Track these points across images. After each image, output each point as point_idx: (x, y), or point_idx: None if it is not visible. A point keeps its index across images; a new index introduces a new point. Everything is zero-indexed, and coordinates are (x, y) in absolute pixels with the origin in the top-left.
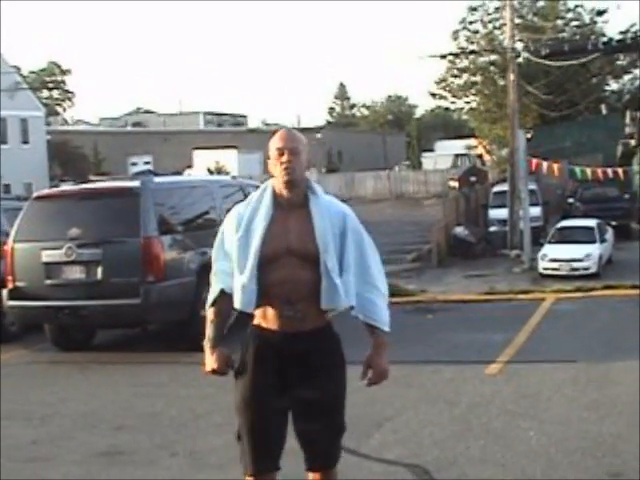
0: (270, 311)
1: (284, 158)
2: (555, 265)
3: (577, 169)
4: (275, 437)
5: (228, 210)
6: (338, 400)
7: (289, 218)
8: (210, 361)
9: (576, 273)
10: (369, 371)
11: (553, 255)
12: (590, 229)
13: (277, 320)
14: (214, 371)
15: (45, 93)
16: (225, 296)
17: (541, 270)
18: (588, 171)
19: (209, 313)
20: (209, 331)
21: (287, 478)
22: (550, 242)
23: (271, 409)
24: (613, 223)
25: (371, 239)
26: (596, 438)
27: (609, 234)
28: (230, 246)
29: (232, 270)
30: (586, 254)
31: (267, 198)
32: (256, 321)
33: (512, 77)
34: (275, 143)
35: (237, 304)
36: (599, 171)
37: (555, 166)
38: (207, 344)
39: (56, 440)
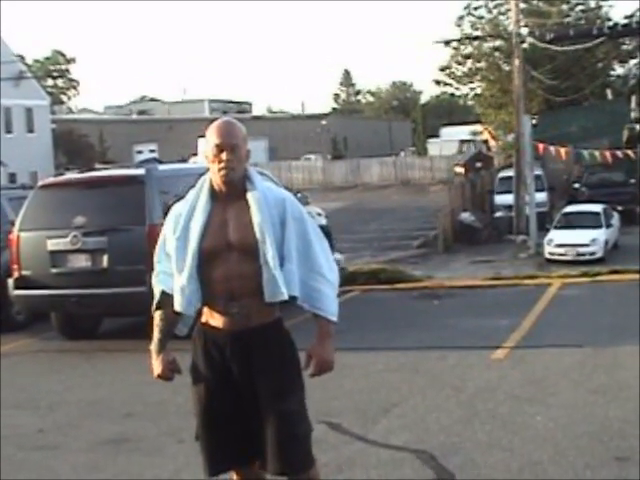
0: (216, 309)
1: (223, 156)
2: (561, 250)
3: (585, 152)
4: (231, 437)
5: None
6: (291, 399)
7: (227, 211)
8: (155, 366)
9: (582, 258)
10: (311, 361)
11: (559, 240)
12: (596, 214)
13: (221, 318)
14: (159, 376)
15: (50, 82)
16: (168, 298)
17: (547, 255)
18: (596, 154)
19: (155, 317)
20: (154, 335)
21: None
22: (556, 227)
23: (222, 409)
24: (619, 208)
25: (316, 225)
26: (603, 422)
27: (615, 219)
28: (170, 247)
29: (173, 271)
30: (592, 239)
31: (204, 194)
32: (203, 319)
33: (517, 62)
34: (213, 138)
35: (177, 306)
36: (608, 154)
37: (562, 150)
38: (153, 348)
39: (63, 428)
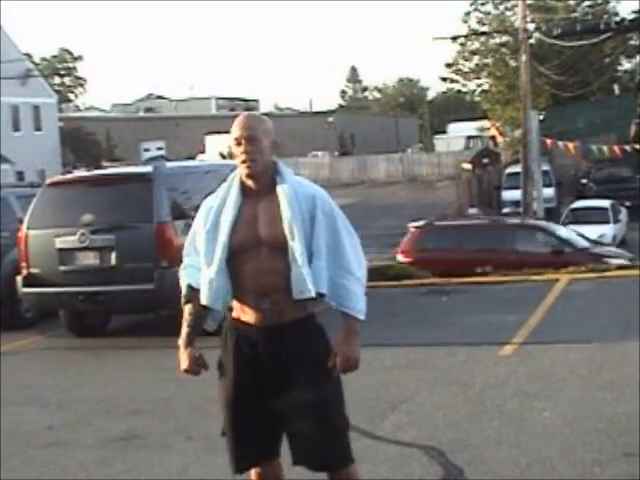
0: (247, 305)
1: (242, 148)
2: None
3: (593, 147)
4: (259, 435)
5: None
6: (325, 394)
7: (257, 206)
8: (182, 360)
9: None
10: (336, 359)
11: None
12: (604, 210)
13: (253, 314)
14: (185, 371)
15: (57, 80)
16: (195, 292)
17: None
18: (605, 148)
19: (184, 311)
20: (182, 329)
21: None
22: (564, 223)
23: (252, 407)
24: (627, 203)
25: (347, 221)
26: (611, 418)
27: (623, 214)
28: (199, 241)
29: (200, 265)
30: (600, 235)
31: (234, 188)
32: (234, 314)
33: (524, 58)
34: (232, 132)
35: (204, 300)
36: (616, 148)
37: (570, 144)
38: (180, 343)
39: (72, 425)
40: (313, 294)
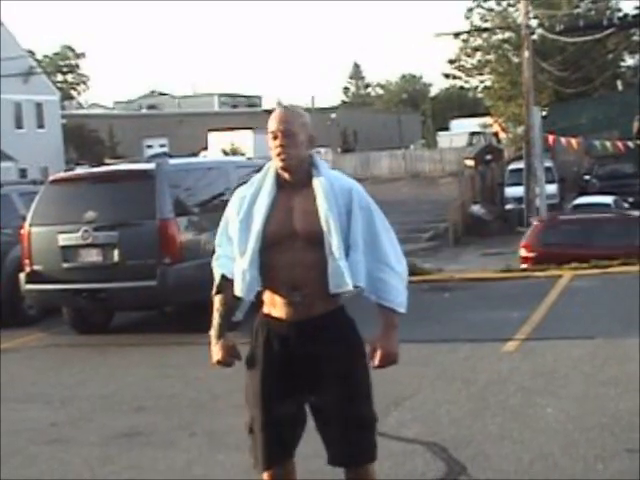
0: (277, 298)
1: (277, 142)
2: None
3: (596, 142)
4: (288, 431)
5: None
6: (357, 388)
7: (292, 199)
8: (215, 351)
9: None
10: (375, 354)
11: None
12: (607, 206)
13: (284, 308)
14: (219, 362)
15: (60, 77)
16: (228, 283)
17: None
18: (608, 144)
19: (214, 301)
20: (214, 321)
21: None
22: None
23: (282, 402)
24: (630, 199)
25: (383, 216)
26: (614, 414)
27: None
28: (232, 230)
29: (234, 255)
30: None
31: (269, 179)
32: (265, 310)
33: (527, 54)
34: (269, 125)
35: (237, 291)
36: (620, 144)
37: (573, 141)
38: (212, 334)
39: (75, 422)
40: (351, 287)
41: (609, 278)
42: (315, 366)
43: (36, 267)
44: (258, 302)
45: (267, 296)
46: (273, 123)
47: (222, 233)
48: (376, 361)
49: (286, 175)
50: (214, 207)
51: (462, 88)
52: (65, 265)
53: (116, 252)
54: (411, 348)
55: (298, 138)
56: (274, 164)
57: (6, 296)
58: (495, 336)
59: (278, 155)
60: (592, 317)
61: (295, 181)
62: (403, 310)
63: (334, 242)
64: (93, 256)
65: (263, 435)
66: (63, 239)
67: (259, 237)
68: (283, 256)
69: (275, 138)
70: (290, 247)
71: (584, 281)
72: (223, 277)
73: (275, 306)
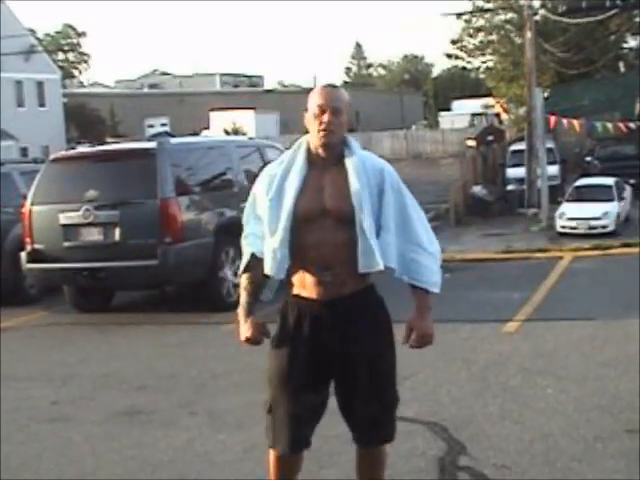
0: (307, 278)
1: (324, 118)
2: (573, 224)
3: (598, 124)
4: (311, 413)
5: (245, 171)
6: (385, 366)
7: (324, 177)
8: (244, 329)
9: (594, 231)
10: (412, 334)
11: (571, 214)
12: (608, 187)
13: (315, 287)
14: (248, 340)
15: (61, 56)
16: (257, 261)
17: (559, 229)
18: (609, 125)
19: (242, 279)
20: (242, 299)
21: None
22: (568, 200)
23: (310, 382)
24: (631, 181)
25: (413, 197)
26: (613, 395)
27: (627, 192)
28: (261, 208)
29: (263, 234)
30: (604, 212)
31: (301, 157)
32: (295, 290)
33: (529, 35)
34: (316, 99)
35: (267, 270)
36: (622, 125)
37: (575, 122)
38: (240, 312)
39: (76, 400)
40: (382, 267)
41: (609, 259)
42: (345, 345)
43: (37, 246)
44: (287, 282)
45: (296, 276)
46: (321, 98)
47: (250, 211)
48: (412, 342)
49: (322, 152)
50: (215, 186)
51: (464, 69)
52: (66, 244)
53: (117, 231)
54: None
55: (343, 117)
56: (305, 141)
57: (7, 275)
58: (496, 317)
59: (323, 131)
60: (592, 298)
61: (328, 159)
62: (437, 290)
63: (365, 221)
64: (94, 235)
65: (287, 415)
66: (64, 218)
67: (290, 215)
68: (313, 235)
69: (322, 114)
70: (321, 226)
71: (585, 262)
72: (253, 256)
73: (305, 286)
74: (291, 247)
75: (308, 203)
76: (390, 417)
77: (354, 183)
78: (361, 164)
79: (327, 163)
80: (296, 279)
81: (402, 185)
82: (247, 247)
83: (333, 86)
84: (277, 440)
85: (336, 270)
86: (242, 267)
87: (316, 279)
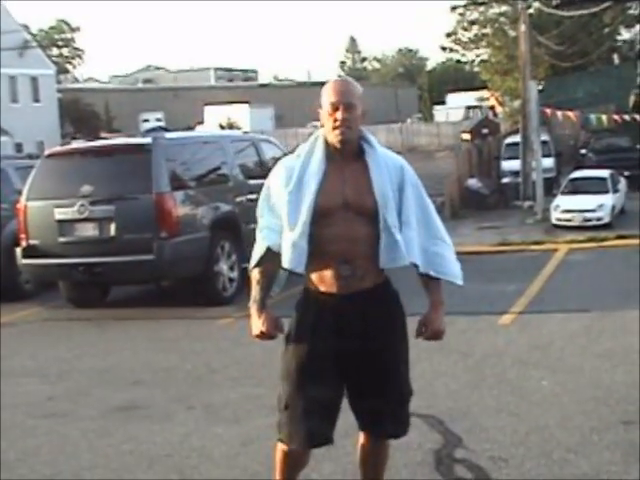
0: (327, 273)
1: (338, 115)
2: (568, 216)
3: (592, 116)
4: (329, 408)
5: (240, 165)
6: (401, 360)
7: (344, 171)
8: (258, 324)
9: (589, 224)
10: (424, 330)
11: (566, 206)
12: (603, 179)
13: (335, 282)
14: (262, 334)
15: (55, 51)
16: (271, 254)
17: (554, 221)
18: (604, 118)
19: (254, 273)
20: (255, 292)
21: None
22: (563, 193)
23: (330, 376)
24: (626, 173)
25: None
26: (609, 387)
27: (622, 184)
28: (277, 201)
29: (279, 227)
30: (599, 204)
31: (319, 150)
32: (313, 284)
33: (523, 28)
34: (329, 96)
35: (286, 263)
36: (616, 117)
37: (570, 114)
38: (253, 306)
39: (72, 396)
40: (407, 262)
41: (604, 251)
42: (363, 340)
43: (32, 241)
44: (306, 276)
45: (315, 270)
46: (333, 94)
47: (264, 203)
48: (425, 336)
49: (341, 148)
50: (210, 181)
51: (459, 62)
52: (61, 239)
53: (112, 226)
54: (408, 321)
55: (357, 111)
56: (321, 135)
57: (3, 271)
58: (491, 309)
59: (338, 128)
60: (588, 290)
61: (346, 154)
62: (460, 281)
63: (390, 217)
64: (89, 230)
65: (306, 412)
66: (59, 213)
67: (311, 209)
68: (333, 229)
69: (335, 110)
70: (340, 220)
71: (580, 255)
72: (268, 249)
73: (324, 280)
74: (310, 241)
75: (329, 197)
76: (405, 411)
77: (377, 179)
78: (382, 160)
79: (346, 157)
80: (315, 273)
81: (419, 181)
82: (262, 240)
83: (344, 80)
84: (293, 436)
85: (355, 264)
86: (256, 260)
87: (335, 273)
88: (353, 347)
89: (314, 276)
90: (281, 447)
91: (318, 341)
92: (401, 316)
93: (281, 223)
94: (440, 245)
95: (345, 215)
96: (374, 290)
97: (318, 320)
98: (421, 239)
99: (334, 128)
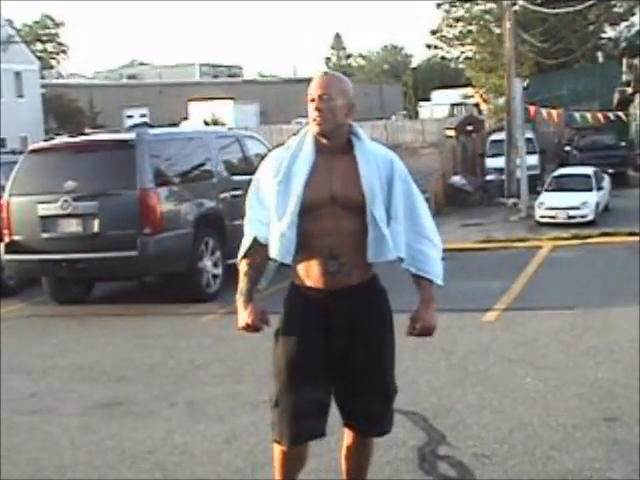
0: (313, 267)
1: (314, 106)
2: (552, 213)
3: (577, 114)
4: (321, 403)
5: (225, 161)
6: (387, 358)
7: (332, 164)
8: (244, 316)
9: (573, 221)
10: (416, 325)
11: (550, 203)
12: (587, 177)
13: (322, 277)
14: (248, 326)
15: (39, 46)
16: (259, 246)
17: (538, 218)
18: (588, 115)
19: (242, 264)
20: (242, 284)
21: None
22: (547, 190)
23: (319, 372)
24: (610, 171)
25: (417, 187)
26: (592, 384)
27: (606, 182)
28: (266, 192)
29: (267, 218)
30: (583, 202)
31: (308, 143)
32: (299, 280)
33: (508, 25)
34: (309, 89)
35: (274, 254)
36: (599, 115)
37: (554, 112)
38: (240, 298)
39: (55, 392)
40: (394, 257)
41: (588, 249)
42: (351, 336)
43: (15, 237)
44: (293, 271)
45: (302, 265)
46: (312, 87)
47: (253, 194)
48: (415, 332)
49: (323, 140)
50: (194, 177)
51: (443, 59)
52: (45, 235)
53: (96, 222)
54: (396, 317)
55: (335, 103)
56: (311, 129)
57: None
58: (475, 306)
59: (314, 120)
60: (571, 287)
61: (334, 147)
62: (440, 282)
63: (377, 211)
64: (73, 226)
65: (294, 408)
66: (43, 209)
67: (299, 200)
68: (320, 223)
69: (312, 101)
70: (328, 214)
71: (564, 252)
72: (255, 240)
73: (310, 275)
74: (298, 235)
75: (317, 189)
76: (390, 408)
77: (365, 172)
78: (371, 154)
79: (334, 151)
80: (301, 268)
81: (409, 177)
82: (250, 231)
83: (327, 73)
84: (284, 434)
85: (342, 259)
86: (243, 251)
87: (322, 268)
88: (340, 344)
89: (301, 271)
90: (277, 447)
91: (306, 337)
92: (388, 313)
93: (269, 215)
94: (424, 243)
95: (333, 209)
96: (361, 286)
97: (305, 316)
98: (406, 234)
99: (312, 120)
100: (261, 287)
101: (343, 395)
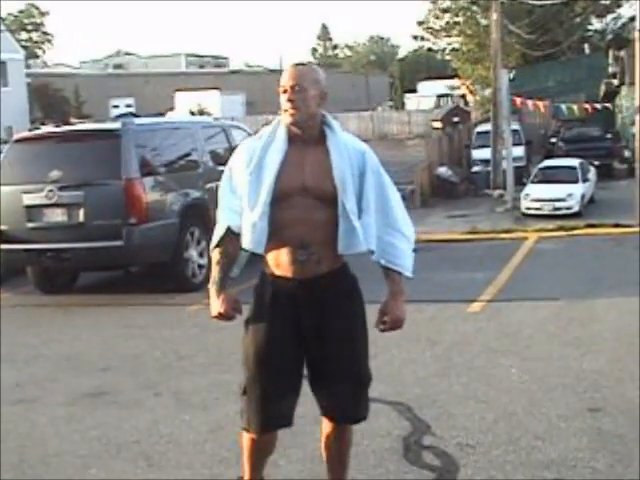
0: (283, 256)
1: (286, 97)
2: (538, 205)
3: (563, 106)
4: (289, 392)
5: (211, 152)
6: (360, 345)
7: (304, 155)
8: (216, 305)
9: (558, 212)
10: (385, 318)
11: (536, 195)
12: (573, 169)
13: (291, 266)
14: (220, 315)
15: (24, 35)
16: (232, 235)
17: (524, 210)
18: (574, 107)
19: (214, 254)
20: (215, 273)
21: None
22: (533, 182)
23: (287, 361)
24: (596, 163)
25: (390, 179)
26: (577, 374)
27: (592, 173)
28: (239, 182)
29: (240, 207)
30: (568, 193)
31: (280, 133)
32: (269, 269)
33: (495, 16)
34: (281, 80)
35: (246, 244)
36: (586, 107)
37: (540, 103)
38: (212, 287)
39: (40, 382)
40: (364, 249)
41: (574, 240)
42: (320, 324)
43: (0, 227)
44: (263, 260)
45: (272, 254)
46: (284, 78)
47: (226, 183)
48: (384, 325)
49: (295, 130)
50: (180, 167)
51: (430, 50)
52: (30, 225)
53: (81, 212)
54: (376, 308)
55: (308, 94)
56: (284, 119)
57: None
58: (460, 297)
59: (286, 110)
60: (557, 279)
61: (306, 137)
62: (410, 274)
63: (348, 202)
64: (58, 216)
65: (263, 396)
66: (28, 199)
67: (270, 190)
68: (291, 212)
69: (284, 92)
70: (299, 204)
71: (549, 243)
72: (228, 229)
73: (280, 264)
74: (269, 225)
75: (288, 180)
76: (365, 395)
77: (337, 164)
78: (343, 145)
79: (307, 141)
80: (271, 257)
81: (381, 168)
82: (223, 221)
83: (299, 64)
84: (252, 422)
85: (311, 249)
86: (215, 240)
87: (291, 257)
88: (310, 332)
89: (271, 260)
90: (246, 434)
91: (274, 326)
92: (358, 299)
93: (242, 204)
94: (394, 236)
95: (304, 199)
96: (331, 275)
97: (274, 304)
98: (377, 227)
99: (285, 110)
100: (233, 274)
101: (317, 383)
